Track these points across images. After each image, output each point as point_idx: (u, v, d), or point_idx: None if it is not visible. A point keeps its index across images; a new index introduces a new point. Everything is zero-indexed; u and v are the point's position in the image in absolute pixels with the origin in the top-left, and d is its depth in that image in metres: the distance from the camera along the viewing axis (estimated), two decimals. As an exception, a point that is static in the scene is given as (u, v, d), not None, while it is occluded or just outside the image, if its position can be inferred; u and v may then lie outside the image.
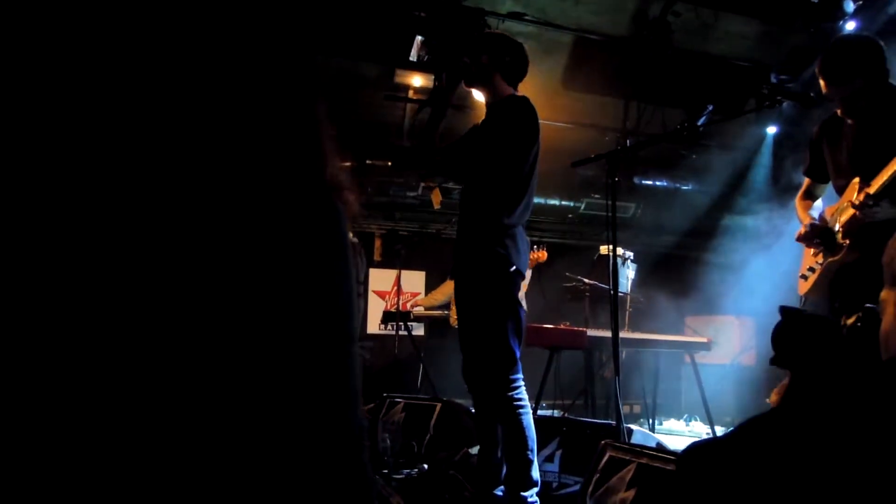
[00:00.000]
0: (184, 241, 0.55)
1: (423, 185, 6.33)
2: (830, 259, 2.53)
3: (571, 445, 2.80)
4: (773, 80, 5.67)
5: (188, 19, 0.60)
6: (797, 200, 2.88)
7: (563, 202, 6.99)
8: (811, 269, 2.66)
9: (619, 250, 4.72)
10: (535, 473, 2.41)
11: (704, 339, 4.60)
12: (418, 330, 6.09)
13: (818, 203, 2.81)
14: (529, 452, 2.38)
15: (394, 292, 6.43)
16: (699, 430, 5.53)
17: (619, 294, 4.62)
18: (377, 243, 7.28)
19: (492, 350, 2.41)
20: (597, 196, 6.84)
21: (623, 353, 4.51)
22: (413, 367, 5.69)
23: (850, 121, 2.47)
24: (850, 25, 5.01)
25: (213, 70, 0.61)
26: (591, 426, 2.84)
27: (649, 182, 6.99)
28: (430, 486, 3.00)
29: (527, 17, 5.25)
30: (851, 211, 2.38)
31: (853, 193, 2.40)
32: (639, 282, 5.28)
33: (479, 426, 2.60)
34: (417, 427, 3.64)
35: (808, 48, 5.41)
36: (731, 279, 6.14)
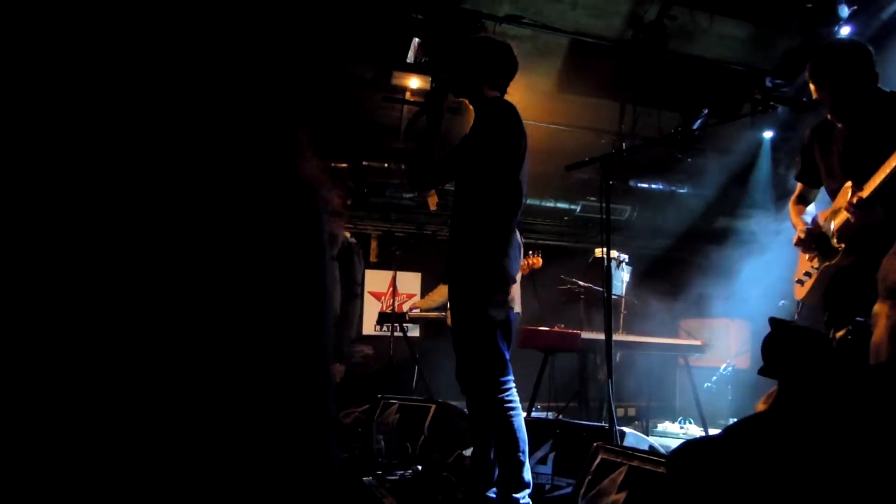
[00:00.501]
0: (167, 241, 0.56)
1: (419, 187, 6.34)
2: (826, 264, 2.53)
3: (564, 448, 2.81)
4: (768, 84, 5.70)
5: (173, 24, 0.61)
6: (790, 205, 2.89)
7: (559, 204, 7.00)
8: (807, 274, 2.66)
9: (614, 253, 4.74)
10: (527, 475, 2.42)
11: (698, 342, 4.61)
12: (414, 331, 6.09)
13: (811, 208, 2.82)
14: (521, 454, 2.39)
15: (389, 293, 6.44)
16: (693, 433, 5.55)
17: (614, 297, 4.64)
18: (373, 244, 7.30)
19: (481, 353, 2.42)
20: (592, 199, 6.86)
21: (617, 356, 4.52)
22: (408, 368, 5.70)
23: (840, 125, 2.48)
24: (845, 30, 5.04)
25: (194, 73, 0.61)
26: (585, 429, 2.85)
27: (645, 185, 7.02)
28: (423, 488, 3.01)
29: (524, 21, 5.27)
30: (845, 215, 2.39)
31: (846, 198, 2.41)
32: (633, 285, 5.29)
33: (472, 428, 2.61)
34: (412, 428, 3.65)
35: (802, 53, 5.43)
36: (725, 282, 6.16)
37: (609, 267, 2.81)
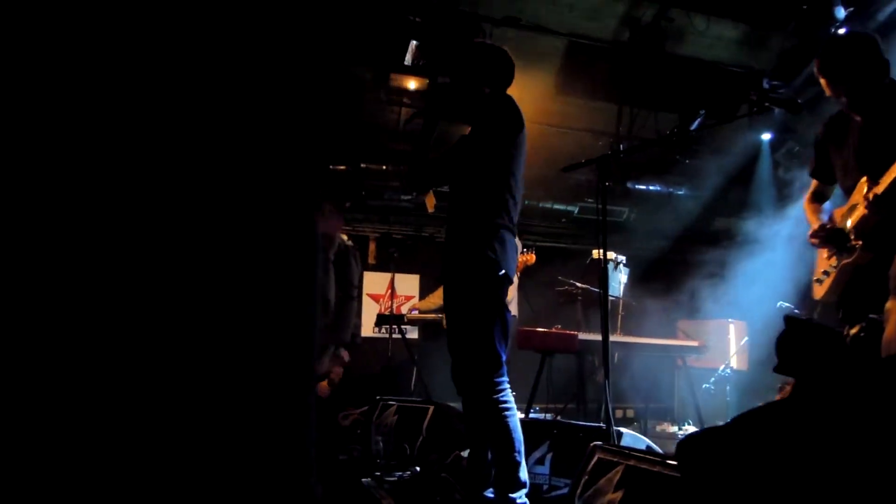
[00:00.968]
0: (171, 241, 0.57)
1: (417, 189, 6.35)
2: (844, 261, 2.46)
3: (562, 448, 2.82)
4: (766, 85, 5.71)
5: (183, 26, 0.61)
6: (805, 203, 2.80)
7: (557, 206, 7.01)
8: (826, 273, 2.58)
9: (612, 255, 4.75)
10: (524, 475, 2.42)
11: (696, 343, 4.62)
12: (412, 333, 6.10)
13: (826, 205, 2.74)
14: (517, 454, 2.40)
15: (388, 295, 6.44)
16: (691, 434, 5.54)
17: (612, 298, 4.65)
18: (371, 246, 7.30)
19: (477, 353, 2.42)
20: (590, 200, 6.87)
21: (615, 357, 4.53)
22: (406, 370, 5.70)
23: (857, 118, 2.42)
24: (842, 32, 5.06)
25: (203, 78, 0.62)
26: (582, 429, 2.86)
27: (642, 187, 7.03)
28: (421, 489, 3.01)
29: (521, 23, 5.29)
30: (862, 211, 2.33)
31: (862, 193, 2.35)
32: (631, 286, 5.30)
33: (468, 428, 2.61)
34: (410, 430, 3.65)
35: (799, 54, 5.45)
36: (723, 284, 6.17)
37: (606, 268, 2.81)
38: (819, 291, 2.63)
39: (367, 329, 7.05)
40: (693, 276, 6.44)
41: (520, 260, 4.54)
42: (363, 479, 3.18)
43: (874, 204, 2.26)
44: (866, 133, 2.40)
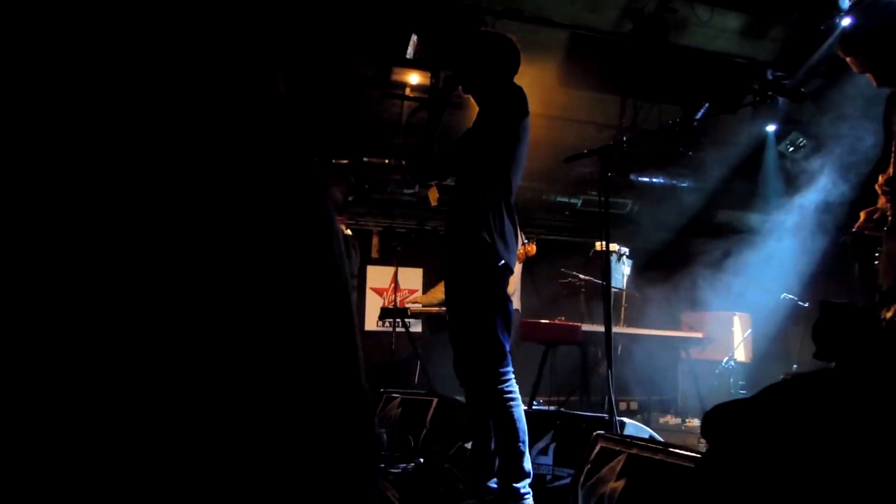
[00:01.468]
0: (183, 235, 0.57)
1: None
2: (889, 245, 2.37)
3: (565, 438, 2.82)
4: (769, 76, 5.69)
5: (186, 23, 0.62)
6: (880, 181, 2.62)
7: (560, 198, 7.00)
8: (877, 258, 2.46)
9: (615, 246, 4.75)
10: (527, 465, 2.43)
11: (699, 335, 4.62)
12: (416, 326, 6.11)
13: None
14: (521, 444, 2.40)
15: (391, 289, 6.45)
16: (694, 427, 5.55)
17: (615, 290, 4.65)
18: (374, 240, 7.30)
19: (481, 344, 2.43)
20: (593, 192, 6.85)
21: (618, 349, 4.53)
22: (410, 363, 5.72)
23: (892, 90, 2.31)
24: (846, 21, 5.03)
25: (207, 72, 0.62)
26: (585, 419, 2.86)
27: (646, 179, 7.01)
28: (425, 480, 3.02)
29: (523, 15, 5.28)
30: None
31: None
32: (634, 278, 5.30)
33: (471, 420, 2.62)
34: (414, 422, 3.66)
35: (802, 45, 5.43)
36: (726, 276, 6.16)
37: (609, 259, 2.81)
38: (876, 277, 2.51)
39: (371, 323, 7.07)
40: (696, 268, 6.43)
41: (520, 251, 4.53)
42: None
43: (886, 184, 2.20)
44: None
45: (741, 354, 5.98)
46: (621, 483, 1.93)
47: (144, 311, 0.55)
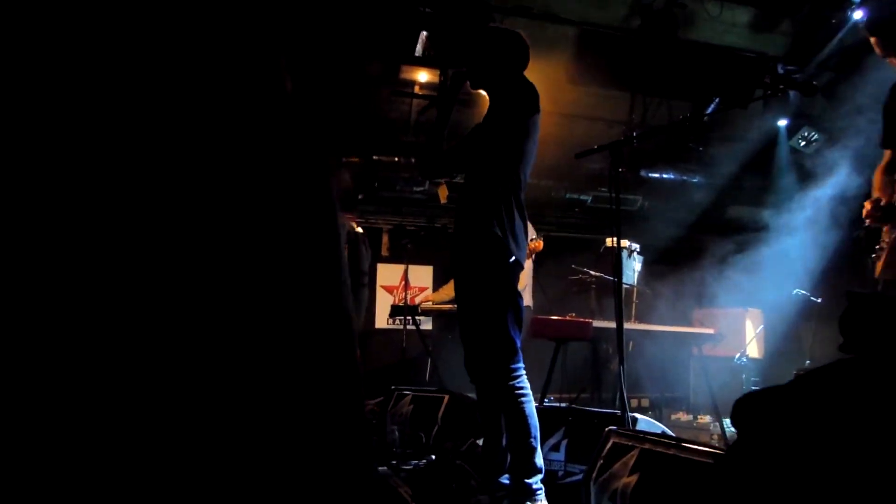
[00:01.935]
0: (187, 235, 0.58)
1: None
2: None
3: (577, 435, 2.82)
4: (780, 70, 5.66)
5: (189, 21, 0.62)
6: (876, 174, 2.64)
7: (570, 195, 6.99)
8: (881, 249, 2.46)
9: (626, 243, 4.73)
10: (539, 460, 2.43)
11: (711, 330, 4.59)
12: (426, 324, 6.12)
13: None
14: (532, 440, 2.40)
15: (401, 287, 6.47)
16: (706, 424, 5.53)
17: (625, 286, 4.64)
18: (384, 238, 7.32)
19: (492, 340, 2.43)
20: (603, 189, 6.84)
21: (630, 345, 4.52)
22: (421, 360, 5.72)
23: None
24: (858, 14, 5.00)
25: (212, 71, 0.62)
26: (597, 415, 2.86)
27: (656, 175, 6.98)
28: (437, 476, 3.03)
29: (532, 12, 5.27)
30: None
31: None
32: (646, 274, 5.28)
33: (482, 416, 2.62)
34: (425, 419, 3.67)
35: (813, 39, 5.39)
36: (738, 272, 6.13)
37: (619, 255, 2.81)
38: (877, 268, 2.51)
39: (382, 321, 7.09)
40: (707, 265, 6.41)
41: (529, 246, 4.52)
42: (380, 468, 3.20)
43: None
44: None
45: (753, 351, 5.95)
46: (634, 478, 1.93)
47: (141, 304, 0.55)
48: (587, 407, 3.91)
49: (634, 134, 3.11)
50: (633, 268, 4.79)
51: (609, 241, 4.89)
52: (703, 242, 7.18)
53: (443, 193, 5.36)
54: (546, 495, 2.43)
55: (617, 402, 2.86)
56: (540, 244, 4.64)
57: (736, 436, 1.09)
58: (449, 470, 3.05)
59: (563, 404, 4.84)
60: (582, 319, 4.02)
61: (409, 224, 7.33)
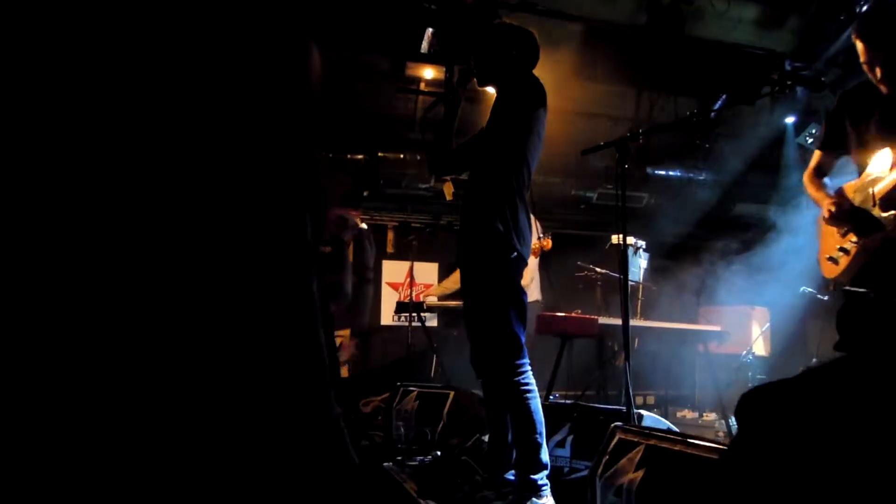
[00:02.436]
0: (177, 242, 0.58)
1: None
2: (866, 237, 2.37)
3: (583, 431, 2.82)
4: (787, 67, 5.63)
5: (187, 26, 0.62)
6: (807, 179, 2.71)
7: (576, 192, 6.98)
8: (843, 251, 2.46)
9: (632, 240, 4.72)
10: (545, 456, 2.44)
11: (717, 328, 4.59)
12: (431, 321, 6.12)
13: (827, 181, 2.66)
14: (538, 436, 2.41)
15: (407, 284, 6.47)
16: (711, 421, 5.53)
17: (631, 283, 4.63)
18: (390, 235, 7.33)
19: (496, 336, 2.43)
20: (609, 186, 6.81)
21: (635, 342, 4.51)
22: (426, 356, 5.73)
23: (884, 89, 2.31)
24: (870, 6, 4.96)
25: (207, 76, 0.62)
26: (602, 412, 2.86)
27: (662, 172, 6.97)
28: (442, 472, 3.04)
29: (538, 8, 5.25)
30: (893, 181, 2.24)
31: (885, 164, 2.26)
32: (651, 271, 5.27)
33: (488, 412, 2.63)
34: (431, 415, 3.67)
35: (820, 35, 5.36)
36: (744, 269, 6.11)
37: (625, 252, 2.81)
38: (833, 270, 2.52)
39: (387, 317, 7.10)
40: (714, 262, 6.39)
41: (536, 245, 4.51)
42: (385, 464, 3.21)
43: None
44: (892, 105, 2.31)
45: (760, 348, 5.93)
46: (640, 474, 1.93)
47: (136, 306, 0.55)
48: (593, 403, 3.92)
49: (641, 131, 3.09)
50: (638, 265, 4.78)
51: (615, 238, 4.88)
52: (709, 240, 7.17)
53: (448, 190, 5.36)
54: (551, 491, 2.44)
55: (622, 399, 2.86)
56: (548, 243, 4.64)
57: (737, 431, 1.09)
58: (454, 466, 3.05)
59: (568, 401, 4.84)
60: (588, 316, 4.02)
61: (414, 221, 7.33)
